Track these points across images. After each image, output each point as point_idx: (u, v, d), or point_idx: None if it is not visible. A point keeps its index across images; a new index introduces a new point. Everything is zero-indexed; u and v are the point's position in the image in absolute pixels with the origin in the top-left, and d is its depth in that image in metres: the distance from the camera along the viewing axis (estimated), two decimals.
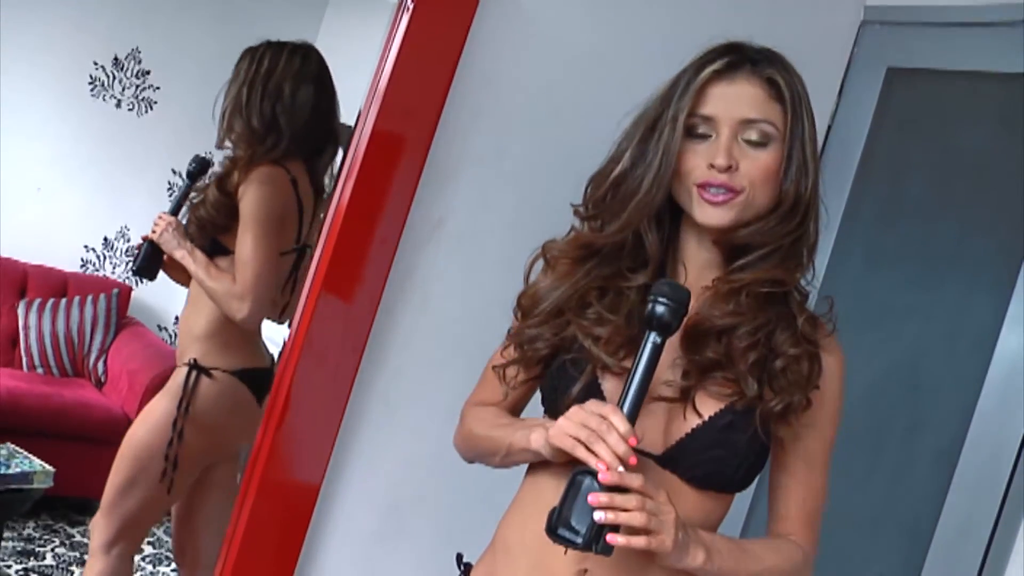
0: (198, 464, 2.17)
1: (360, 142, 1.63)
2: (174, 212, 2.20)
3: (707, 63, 1.18)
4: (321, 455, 1.67)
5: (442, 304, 1.74)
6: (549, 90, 1.77)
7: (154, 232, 2.15)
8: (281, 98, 2.12)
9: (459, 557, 1.32)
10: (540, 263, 1.28)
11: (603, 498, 1.01)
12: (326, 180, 2.27)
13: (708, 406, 1.15)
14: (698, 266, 1.22)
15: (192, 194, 2.22)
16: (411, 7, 1.59)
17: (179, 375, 2.13)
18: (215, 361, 2.14)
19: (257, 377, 2.17)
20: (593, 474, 1.02)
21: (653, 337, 1.06)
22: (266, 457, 1.64)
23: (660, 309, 1.06)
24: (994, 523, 1.70)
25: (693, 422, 1.15)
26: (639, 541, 1.02)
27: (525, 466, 1.27)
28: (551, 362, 1.22)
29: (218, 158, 2.25)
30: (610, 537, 1.01)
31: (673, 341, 1.14)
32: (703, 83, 1.17)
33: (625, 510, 1.01)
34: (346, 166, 1.66)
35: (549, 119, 1.78)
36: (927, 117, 2.09)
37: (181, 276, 2.28)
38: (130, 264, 2.25)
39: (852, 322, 2.03)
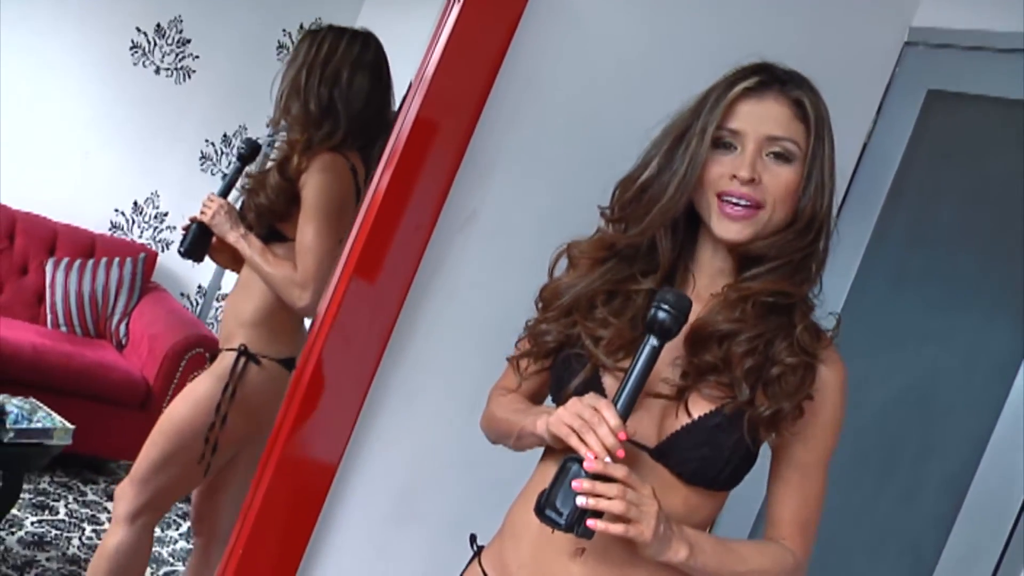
0: (236, 447, 2.19)
1: (402, 130, 1.64)
2: (224, 194, 2.19)
3: (738, 80, 1.24)
4: (340, 436, 1.70)
5: (468, 295, 1.77)
6: (589, 93, 1.78)
7: (204, 214, 2.15)
8: (339, 83, 2.12)
9: (472, 537, 1.38)
10: (564, 260, 1.34)
11: (586, 484, 1.07)
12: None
13: (699, 406, 1.21)
14: (709, 274, 1.28)
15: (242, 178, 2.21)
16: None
17: (226, 359, 2.13)
18: (264, 348, 2.14)
19: None
20: (581, 461, 1.08)
21: (652, 341, 1.12)
22: (286, 434, 1.66)
23: (662, 315, 1.12)
24: (1001, 553, 1.71)
25: (684, 420, 1.21)
26: (617, 528, 1.08)
27: (539, 454, 1.34)
28: (560, 354, 1.29)
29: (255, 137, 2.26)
30: (590, 522, 1.07)
31: (676, 341, 1.20)
32: (733, 99, 1.23)
33: (607, 498, 1.07)
34: (386, 152, 1.68)
35: (586, 121, 1.79)
36: (962, 142, 2.09)
37: (226, 259, 2.28)
38: (179, 247, 2.25)
39: (873, 342, 2.06)
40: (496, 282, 1.78)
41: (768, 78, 1.24)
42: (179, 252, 2.24)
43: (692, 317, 1.21)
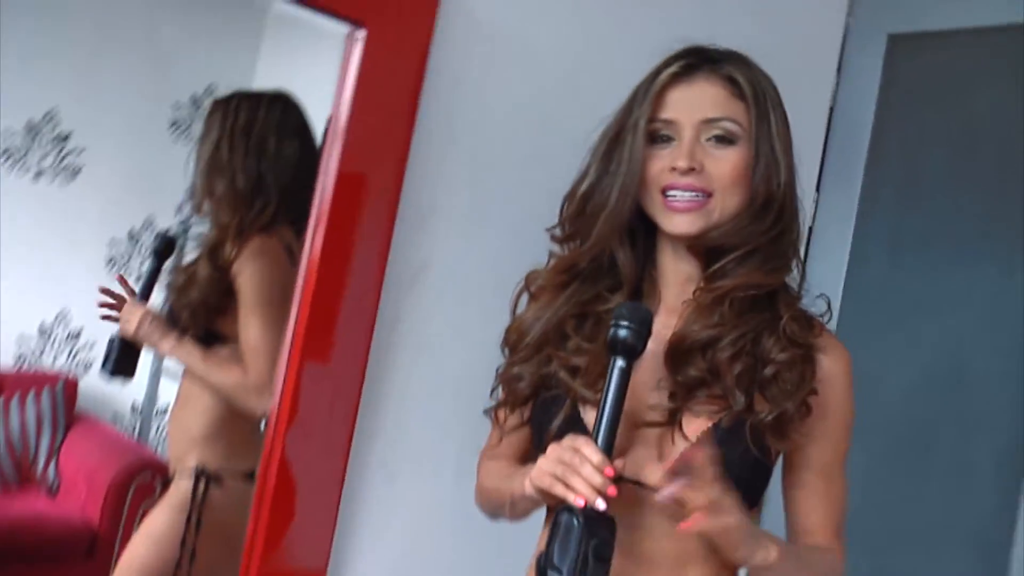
0: None
1: (325, 188, 1.69)
2: (143, 298, 2.18)
3: (665, 67, 1.30)
4: (323, 537, 1.73)
5: (435, 354, 1.82)
6: (520, 112, 1.85)
7: (126, 326, 2.16)
8: (265, 154, 2.11)
9: None
10: (526, 295, 1.40)
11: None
12: None
13: (695, 426, 1.25)
14: (677, 281, 1.33)
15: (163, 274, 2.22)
16: (362, 38, 1.68)
17: (182, 485, 2.12)
18: (223, 464, 2.12)
19: None
20: (573, 511, 1.11)
21: (619, 362, 1.16)
22: (262, 548, 1.69)
23: (622, 332, 1.16)
24: None
25: (681, 446, 1.24)
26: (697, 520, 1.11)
27: (542, 523, 1.38)
28: (537, 399, 1.33)
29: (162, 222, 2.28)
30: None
31: (657, 362, 1.26)
32: (661, 87, 1.29)
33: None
34: (312, 216, 1.72)
35: (523, 143, 1.86)
36: (938, 84, 2.18)
37: None
38: (102, 366, 2.25)
39: (881, 318, 2.14)
40: (464, 333, 1.84)
41: (696, 60, 1.30)
42: (103, 373, 2.23)
43: (667, 331, 1.27)
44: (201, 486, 2.12)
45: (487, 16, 1.81)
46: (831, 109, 2.22)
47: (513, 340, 1.37)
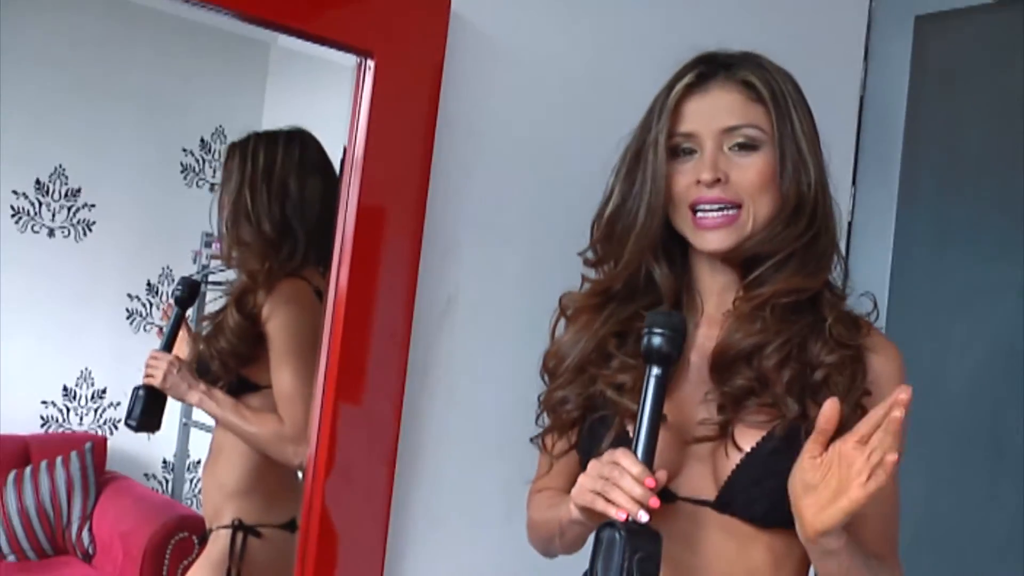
0: None
1: (346, 224, 1.68)
2: (168, 348, 2.17)
3: (678, 79, 1.30)
4: None
5: (471, 390, 1.80)
6: (538, 132, 1.84)
7: (152, 376, 2.15)
8: (289, 196, 2.09)
9: None
10: (563, 320, 1.39)
11: None
12: None
13: (748, 437, 1.23)
14: (716, 292, 1.32)
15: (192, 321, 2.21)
16: (373, 66, 1.67)
17: (220, 540, 2.12)
18: (261, 517, 2.11)
19: None
20: (615, 526, 1.11)
21: (654, 371, 1.16)
22: None
23: (656, 340, 1.16)
24: None
25: (736, 458, 1.23)
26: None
27: None
28: (584, 424, 1.33)
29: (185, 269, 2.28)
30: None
31: (703, 375, 1.26)
32: (677, 100, 1.29)
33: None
34: (335, 253, 1.71)
35: (543, 164, 1.85)
36: (971, 63, 2.15)
37: None
38: (126, 419, 2.24)
39: (933, 312, 2.09)
40: (499, 365, 1.82)
41: (708, 68, 1.29)
42: (128, 425, 2.23)
43: (710, 343, 1.27)
44: (239, 540, 2.11)
45: (498, 35, 1.80)
46: (861, 98, 2.20)
47: (552, 366, 1.37)
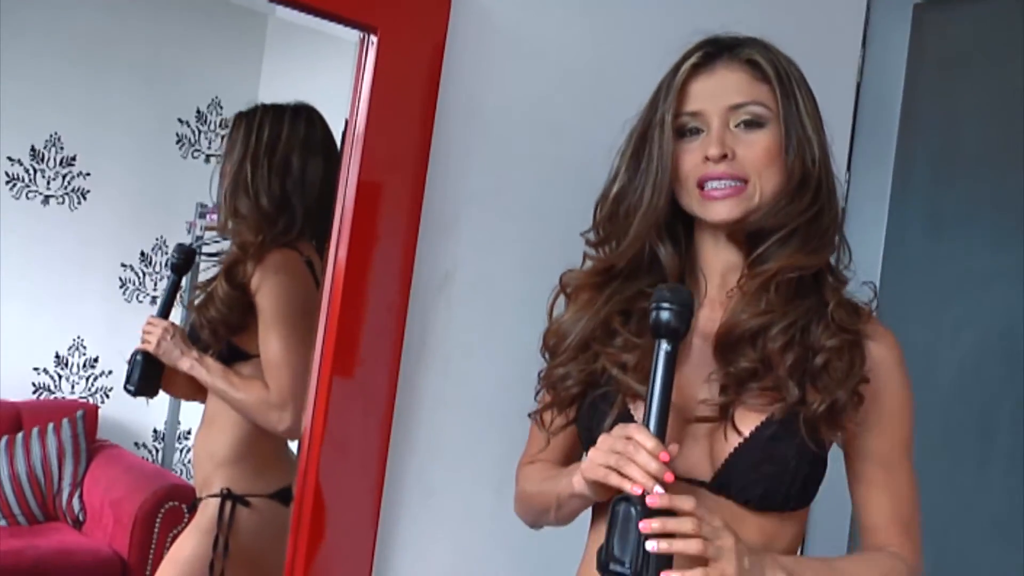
0: None
1: (346, 200, 1.69)
2: (164, 315, 2.20)
3: (684, 60, 1.32)
4: (362, 561, 1.74)
5: (465, 363, 1.82)
6: (537, 111, 1.85)
7: (147, 342, 2.16)
8: (290, 173, 2.11)
9: None
10: (562, 298, 1.40)
11: (654, 524, 1.10)
12: None
13: (748, 420, 1.25)
14: (719, 272, 1.34)
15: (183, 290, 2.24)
16: (376, 42, 1.68)
17: (209, 508, 2.14)
18: (250, 486, 2.14)
19: None
20: (631, 500, 1.12)
21: (664, 346, 1.16)
22: (302, 571, 1.69)
23: (664, 315, 1.16)
24: None
25: (735, 441, 1.25)
26: (695, 573, 1.10)
27: (587, 529, 1.38)
28: (584, 401, 1.34)
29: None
30: (664, 575, 1.09)
31: (706, 356, 1.27)
32: (683, 80, 1.30)
33: (676, 536, 1.10)
34: (335, 228, 1.73)
35: (542, 143, 1.86)
36: (968, 53, 2.16)
37: (183, 389, 2.31)
38: (124, 384, 2.27)
39: (925, 300, 2.12)
40: (494, 340, 1.84)
41: (713, 49, 1.32)
42: (126, 390, 2.25)
43: (713, 324, 1.29)
44: (228, 509, 2.13)
45: (501, 14, 1.81)
46: (858, 85, 2.21)
47: (553, 343, 1.38)
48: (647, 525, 1.10)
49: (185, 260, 2.30)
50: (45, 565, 3.35)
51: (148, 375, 2.22)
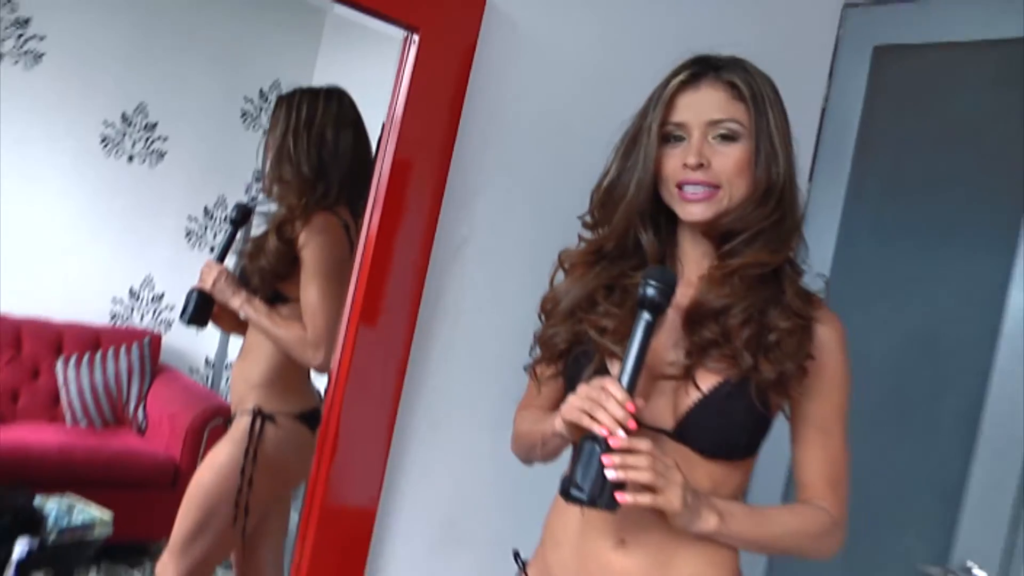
0: (266, 505, 2.20)
1: (382, 173, 1.68)
2: (220, 260, 2.20)
3: (674, 76, 1.31)
4: (374, 479, 1.73)
5: (474, 318, 1.80)
6: (551, 109, 1.83)
7: (204, 281, 2.16)
8: (325, 144, 2.13)
9: (516, 553, 1.43)
10: (561, 272, 1.40)
11: (615, 458, 1.12)
12: None
13: (707, 380, 1.25)
14: (694, 259, 1.34)
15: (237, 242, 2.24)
16: (417, 40, 1.65)
17: (242, 423, 2.15)
18: (277, 406, 2.16)
19: (315, 416, 2.20)
20: (596, 439, 1.13)
21: (645, 316, 1.18)
22: (323, 488, 1.68)
23: (651, 291, 1.18)
24: (1022, 475, 1.75)
25: (695, 396, 1.25)
26: (644, 499, 1.14)
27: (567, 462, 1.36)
28: (569, 356, 1.34)
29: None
30: (619, 496, 1.12)
31: (676, 325, 1.28)
32: (672, 94, 1.30)
33: (635, 469, 1.12)
34: (371, 198, 1.71)
35: (553, 136, 1.84)
36: (919, 91, 2.13)
37: (229, 324, 2.31)
38: (180, 315, 2.26)
39: (866, 295, 2.10)
40: (498, 301, 1.82)
41: (701, 68, 1.30)
42: (182, 320, 2.25)
43: (685, 301, 1.28)
44: (258, 424, 2.14)
45: (526, 25, 1.78)
46: (823, 111, 2.19)
47: (549, 307, 1.38)
48: (609, 460, 1.12)
49: (242, 216, 2.29)
50: (117, 462, 3.36)
51: (200, 309, 2.21)
